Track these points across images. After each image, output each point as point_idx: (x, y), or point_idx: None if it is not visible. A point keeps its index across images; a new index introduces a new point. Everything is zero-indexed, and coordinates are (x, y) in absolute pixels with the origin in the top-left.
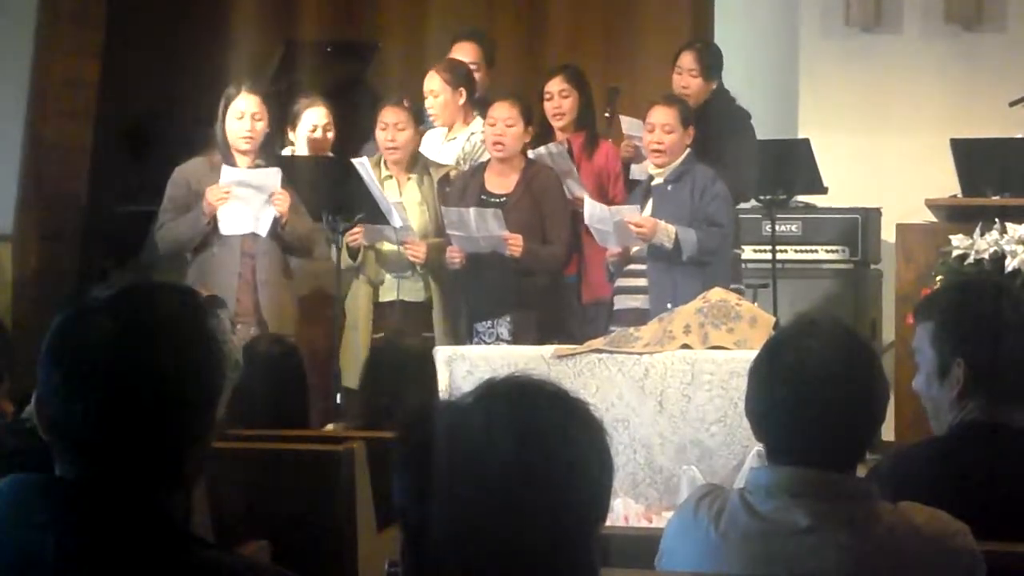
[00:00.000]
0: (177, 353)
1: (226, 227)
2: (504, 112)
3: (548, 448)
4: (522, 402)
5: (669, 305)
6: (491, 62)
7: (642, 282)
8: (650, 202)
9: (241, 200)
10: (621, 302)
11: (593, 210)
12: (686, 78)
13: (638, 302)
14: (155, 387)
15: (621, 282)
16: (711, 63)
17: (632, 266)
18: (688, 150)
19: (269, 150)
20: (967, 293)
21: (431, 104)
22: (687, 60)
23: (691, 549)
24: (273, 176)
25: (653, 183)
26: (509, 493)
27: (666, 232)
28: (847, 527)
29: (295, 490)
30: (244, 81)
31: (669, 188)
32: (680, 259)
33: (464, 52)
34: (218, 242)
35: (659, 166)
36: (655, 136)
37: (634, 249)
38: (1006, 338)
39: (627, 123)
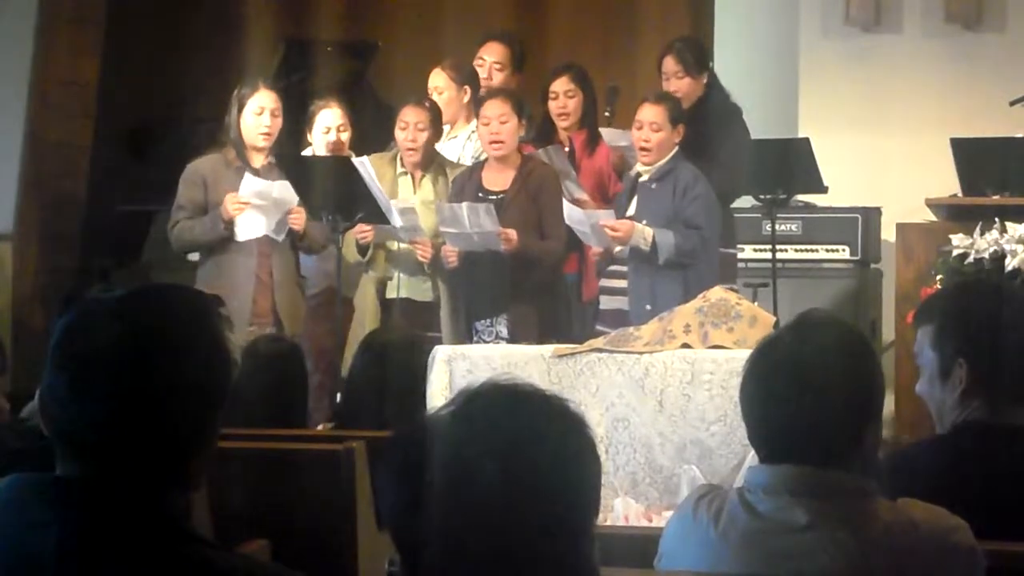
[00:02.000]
0: (184, 356)
1: (243, 233)
2: (497, 109)
3: (532, 449)
4: (500, 406)
5: (648, 307)
6: (519, 66)
7: (624, 283)
8: (635, 200)
9: (258, 210)
10: (605, 302)
11: (571, 213)
12: (673, 82)
13: (619, 303)
14: (162, 390)
15: (604, 282)
16: (693, 58)
17: (615, 267)
18: (676, 148)
19: (281, 148)
20: (965, 294)
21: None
22: (669, 64)
23: (691, 549)
24: (291, 193)
25: (640, 180)
26: (498, 499)
27: (642, 235)
28: (846, 524)
29: (295, 490)
30: (260, 78)
31: (653, 186)
32: (657, 261)
33: (491, 52)
34: (235, 244)
35: (646, 164)
36: (643, 134)
37: (616, 249)
38: (1007, 337)
39: (608, 134)
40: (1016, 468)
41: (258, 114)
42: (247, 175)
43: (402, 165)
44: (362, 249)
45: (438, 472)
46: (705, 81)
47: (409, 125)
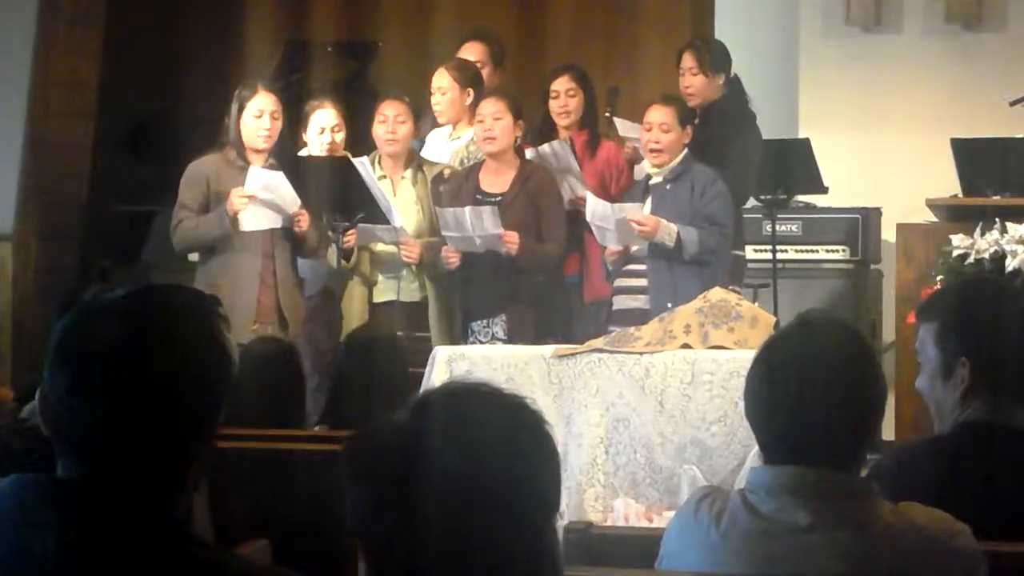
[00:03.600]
0: (186, 356)
1: (249, 224)
2: (491, 107)
3: (487, 449)
4: (457, 408)
5: (669, 305)
6: (499, 62)
7: (642, 282)
8: (648, 201)
9: (263, 204)
10: (621, 302)
11: (596, 207)
12: (688, 78)
13: (638, 302)
14: (163, 390)
15: (620, 282)
16: (711, 58)
17: (631, 266)
18: (686, 150)
19: (281, 149)
20: (971, 292)
21: (438, 101)
22: (687, 60)
23: (692, 550)
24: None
25: (652, 182)
26: (456, 497)
27: (668, 231)
28: (847, 526)
29: (295, 490)
30: (260, 80)
31: (668, 187)
32: (681, 258)
33: (471, 51)
34: (240, 243)
35: (656, 165)
36: (652, 135)
37: (633, 248)
38: (1010, 337)
39: (622, 126)
40: (1017, 468)
41: (257, 117)
42: (252, 168)
43: (381, 168)
44: (346, 253)
45: (398, 473)
46: (722, 82)
47: (388, 118)
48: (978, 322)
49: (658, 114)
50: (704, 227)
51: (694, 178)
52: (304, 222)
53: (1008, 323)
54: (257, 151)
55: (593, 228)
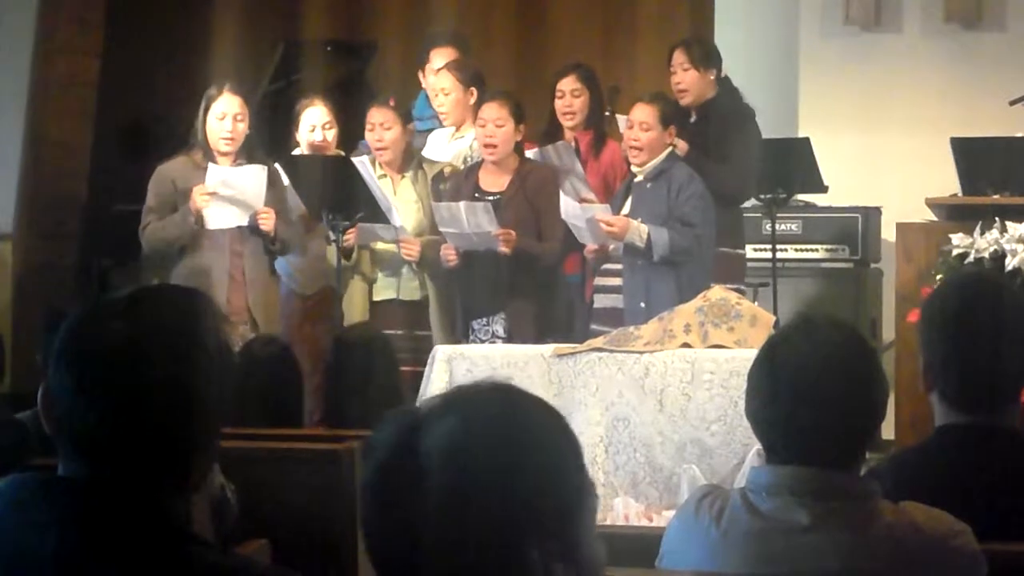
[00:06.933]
0: (189, 356)
1: (213, 222)
2: (493, 113)
3: (506, 453)
4: (476, 410)
5: (642, 304)
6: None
7: (618, 281)
8: (630, 199)
9: (227, 200)
10: (599, 300)
11: (567, 207)
12: (680, 74)
13: (612, 300)
14: (167, 390)
15: (599, 280)
16: (702, 53)
17: (609, 265)
18: (669, 148)
19: (250, 151)
20: (945, 294)
21: (441, 103)
22: (678, 56)
23: (692, 549)
24: (258, 180)
25: (635, 180)
26: (473, 501)
27: (638, 231)
28: (848, 526)
29: (295, 490)
30: (226, 81)
31: (648, 186)
32: (651, 259)
33: (441, 55)
34: (208, 242)
35: (636, 163)
36: (633, 133)
37: (611, 247)
38: (984, 337)
39: (624, 123)
40: (996, 470)
41: (220, 119)
42: (211, 165)
43: (380, 167)
44: (347, 252)
45: (416, 473)
46: (713, 78)
47: (375, 126)
48: (951, 324)
49: (639, 112)
50: (676, 227)
51: (672, 177)
52: (269, 220)
53: (982, 324)
54: (221, 153)
55: (571, 227)
